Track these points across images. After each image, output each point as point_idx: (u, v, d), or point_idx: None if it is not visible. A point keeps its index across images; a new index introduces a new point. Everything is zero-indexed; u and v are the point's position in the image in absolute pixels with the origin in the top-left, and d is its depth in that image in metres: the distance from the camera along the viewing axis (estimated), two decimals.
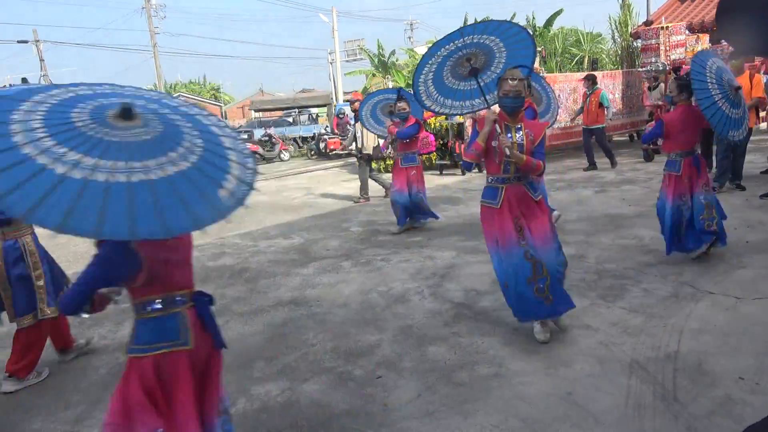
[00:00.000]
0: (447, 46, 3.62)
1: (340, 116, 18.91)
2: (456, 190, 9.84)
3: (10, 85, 18.25)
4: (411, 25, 41.96)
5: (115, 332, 4.35)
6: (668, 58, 12.59)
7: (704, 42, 12.21)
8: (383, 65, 20.53)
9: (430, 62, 3.73)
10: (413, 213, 6.90)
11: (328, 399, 3.14)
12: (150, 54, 29.74)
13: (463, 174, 11.45)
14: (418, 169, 6.84)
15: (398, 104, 6.72)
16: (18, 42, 30.17)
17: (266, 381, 3.41)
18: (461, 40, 3.54)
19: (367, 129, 7.93)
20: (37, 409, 3.31)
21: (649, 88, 11.44)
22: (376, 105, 7.55)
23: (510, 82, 3.33)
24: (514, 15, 21.13)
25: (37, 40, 29.99)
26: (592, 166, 10.57)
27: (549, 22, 21.01)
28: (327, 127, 21.98)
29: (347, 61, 35.74)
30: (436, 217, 7.03)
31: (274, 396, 3.22)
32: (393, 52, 22.47)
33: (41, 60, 30.02)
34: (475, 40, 3.56)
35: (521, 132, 3.43)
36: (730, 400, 2.79)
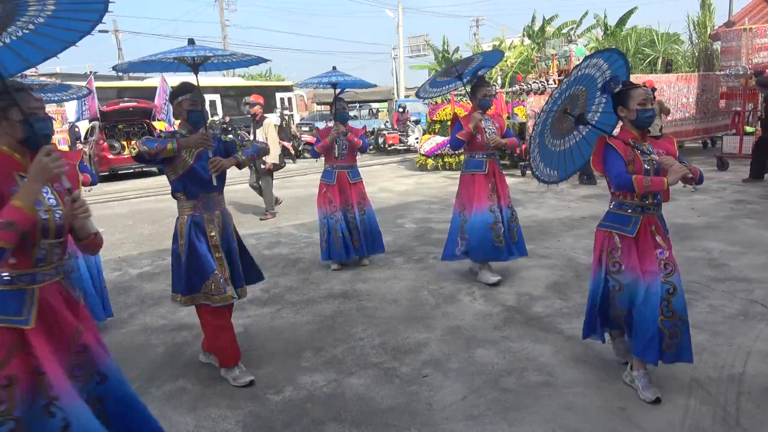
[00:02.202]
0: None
1: (401, 111, 18.92)
2: (514, 192, 9.62)
3: (92, 72, 19.30)
4: (477, 21, 41.46)
5: (173, 312, 4.52)
6: (750, 61, 11.85)
7: None
8: (447, 61, 20.39)
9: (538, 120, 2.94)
10: (361, 240, 5.56)
11: (373, 394, 3.15)
12: (220, 45, 30.72)
13: (523, 175, 11.21)
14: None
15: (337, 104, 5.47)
16: (99, 32, 31.91)
17: (313, 371, 3.46)
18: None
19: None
20: None
21: None
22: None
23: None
24: (586, 13, 20.41)
25: (116, 30, 31.56)
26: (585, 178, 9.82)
27: (622, 21, 20.18)
28: (387, 122, 22.02)
29: (410, 56, 35.73)
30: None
31: (320, 387, 3.27)
32: (457, 49, 22.29)
33: (119, 49, 31.60)
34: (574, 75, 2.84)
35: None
36: None
